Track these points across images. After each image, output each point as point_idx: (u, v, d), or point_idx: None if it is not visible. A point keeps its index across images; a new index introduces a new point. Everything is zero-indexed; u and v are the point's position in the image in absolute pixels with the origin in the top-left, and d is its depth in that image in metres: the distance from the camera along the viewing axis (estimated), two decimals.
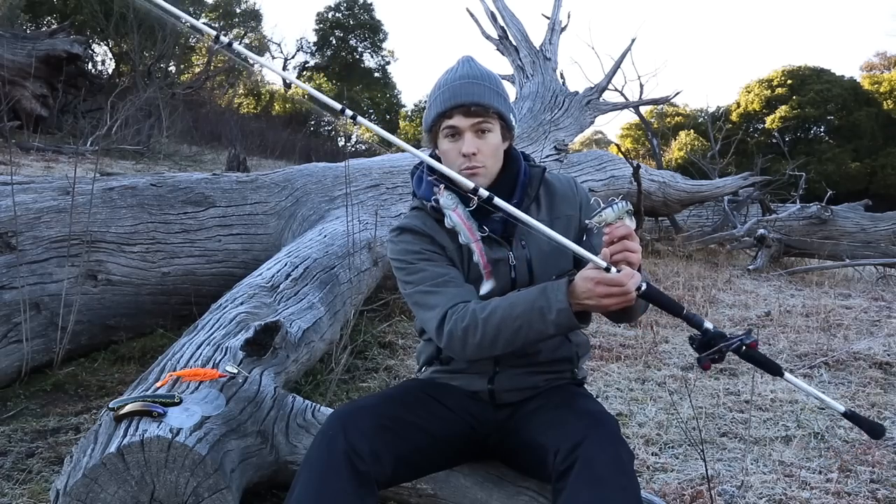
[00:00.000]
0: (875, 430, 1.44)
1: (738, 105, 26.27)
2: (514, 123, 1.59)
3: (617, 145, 14.72)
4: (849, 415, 1.45)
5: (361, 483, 1.31)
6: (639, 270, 1.33)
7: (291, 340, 2.31)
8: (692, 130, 24.23)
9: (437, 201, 1.51)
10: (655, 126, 16.79)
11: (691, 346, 1.36)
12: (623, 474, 1.30)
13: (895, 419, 2.82)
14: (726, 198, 8.47)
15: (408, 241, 1.58)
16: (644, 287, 1.32)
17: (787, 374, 1.42)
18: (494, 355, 1.50)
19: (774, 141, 19.50)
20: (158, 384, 1.76)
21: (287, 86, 24.75)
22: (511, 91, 7.76)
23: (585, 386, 1.72)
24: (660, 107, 21.82)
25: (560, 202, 1.62)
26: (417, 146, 1.58)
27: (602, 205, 1.34)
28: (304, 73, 25.40)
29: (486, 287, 1.50)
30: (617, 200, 1.34)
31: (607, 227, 1.34)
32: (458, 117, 1.51)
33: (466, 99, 1.50)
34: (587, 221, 1.38)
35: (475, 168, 1.52)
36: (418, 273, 1.54)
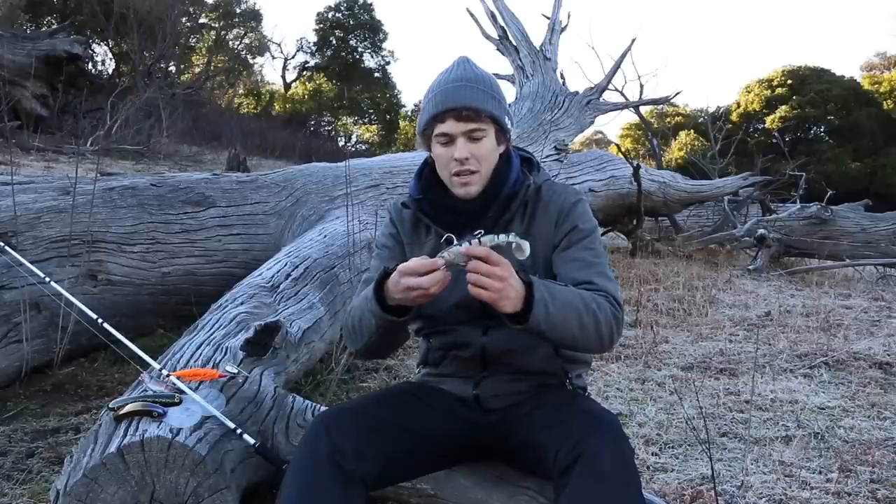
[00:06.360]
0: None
1: (738, 105, 26.24)
2: (509, 126, 1.54)
3: (617, 145, 14.73)
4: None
5: (347, 482, 1.31)
6: (523, 314, 1.30)
7: (291, 340, 2.31)
8: (692, 130, 24.23)
9: None
10: (655, 126, 16.82)
11: None
12: (626, 470, 1.30)
13: (895, 419, 2.82)
14: (726, 198, 8.46)
15: (382, 229, 1.70)
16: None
17: None
18: (365, 344, 1.52)
19: (774, 141, 19.48)
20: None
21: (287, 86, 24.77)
22: (511, 91, 7.76)
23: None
24: (660, 107, 21.87)
25: (540, 219, 1.56)
26: None
27: (456, 243, 1.31)
28: (305, 72, 25.39)
29: None
30: (475, 237, 1.30)
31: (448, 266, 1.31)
32: (451, 122, 1.47)
33: (458, 103, 1.46)
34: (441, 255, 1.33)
35: (467, 174, 1.49)
36: (371, 262, 1.69)
